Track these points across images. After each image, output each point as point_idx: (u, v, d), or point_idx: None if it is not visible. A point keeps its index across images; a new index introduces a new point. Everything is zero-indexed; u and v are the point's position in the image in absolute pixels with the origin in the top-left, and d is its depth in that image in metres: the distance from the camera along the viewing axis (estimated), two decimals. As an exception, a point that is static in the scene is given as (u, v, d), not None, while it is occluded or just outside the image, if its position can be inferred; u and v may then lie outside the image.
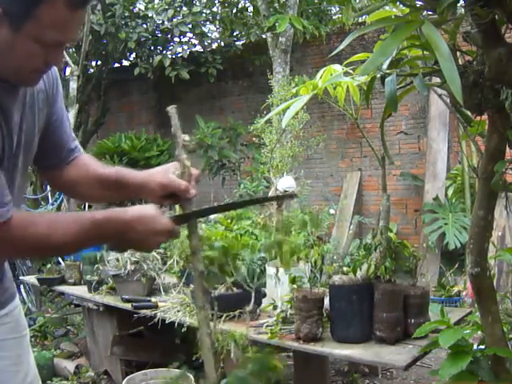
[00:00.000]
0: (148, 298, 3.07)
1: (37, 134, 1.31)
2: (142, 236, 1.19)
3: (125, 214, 1.20)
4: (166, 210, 1.25)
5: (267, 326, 2.41)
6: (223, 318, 2.54)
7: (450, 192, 6.09)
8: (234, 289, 2.62)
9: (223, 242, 2.57)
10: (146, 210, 1.21)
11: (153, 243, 1.24)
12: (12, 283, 1.44)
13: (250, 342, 2.34)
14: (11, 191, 1.25)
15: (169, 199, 1.32)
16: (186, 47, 7.40)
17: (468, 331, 1.67)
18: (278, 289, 2.63)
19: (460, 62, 1.46)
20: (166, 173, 1.31)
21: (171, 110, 1.31)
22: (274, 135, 5.58)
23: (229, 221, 3.43)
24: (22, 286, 5.12)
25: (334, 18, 8.25)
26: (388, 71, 1.53)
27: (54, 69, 1.34)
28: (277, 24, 6.41)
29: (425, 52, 1.52)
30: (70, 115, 5.71)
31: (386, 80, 1.50)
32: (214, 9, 8.16)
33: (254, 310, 2.58)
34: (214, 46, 7.94)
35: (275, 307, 2.58)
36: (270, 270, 2.71)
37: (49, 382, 3.63)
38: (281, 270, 2.71)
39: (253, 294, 2.58)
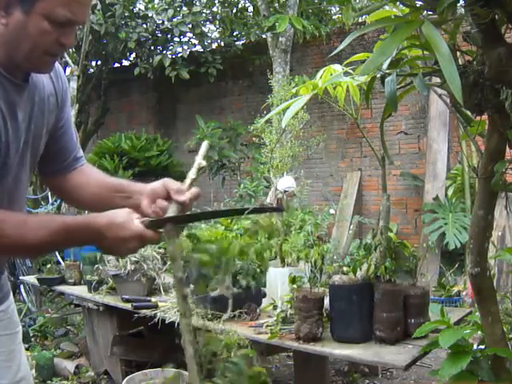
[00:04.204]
0: (148, 298, 3.07)
1: (44, 135, 1.32)
2: (113, 243, 1.16)
3: (95, 221, 1.17)
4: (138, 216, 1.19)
5: (267, 325, 2.41)
6: (223, 318, 2.54)
7: (450, 192, 6.09)
8: (234, 289, 2.61)
9: (218, 244, 2.55)
10: (115, 216, 1.17)
11: (125, 250, 1.21)
12: (7, 281, 1.46)
13: (250, 343, 2.34)
14: (17, 188, 1.27)
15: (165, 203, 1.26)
16: (186, 47, 7.40)
17: (468, 331, 1.67)
18: (278, 289, 2.63)
19: (460, 62, 1.46)
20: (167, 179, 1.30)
21: (205, 144, 1.29)
22: (273, 135, 5.59)
23: (229, 221, 3.43)
24: (21, 286, 5.12)
25: (334, 18, 8.26)
26: (388, 71, 1.53)
27: (64, 76, 1.36)
28: (277, 24, 6.42)
29: (425, 52, 1.52)
30: (70, 115, 5.70)
31: (386, 80, 1.50)
32: (214, 9, 8.17)
33: (254, 309, 2.58)
34: (214, 45, 7.94)
35: (275, 307, 2.58)
36: (270, 269, 2.71)
37: (49, 382, 3.63)
38: (280, 270, 2.71)
39: (252, 294, 2.58)
